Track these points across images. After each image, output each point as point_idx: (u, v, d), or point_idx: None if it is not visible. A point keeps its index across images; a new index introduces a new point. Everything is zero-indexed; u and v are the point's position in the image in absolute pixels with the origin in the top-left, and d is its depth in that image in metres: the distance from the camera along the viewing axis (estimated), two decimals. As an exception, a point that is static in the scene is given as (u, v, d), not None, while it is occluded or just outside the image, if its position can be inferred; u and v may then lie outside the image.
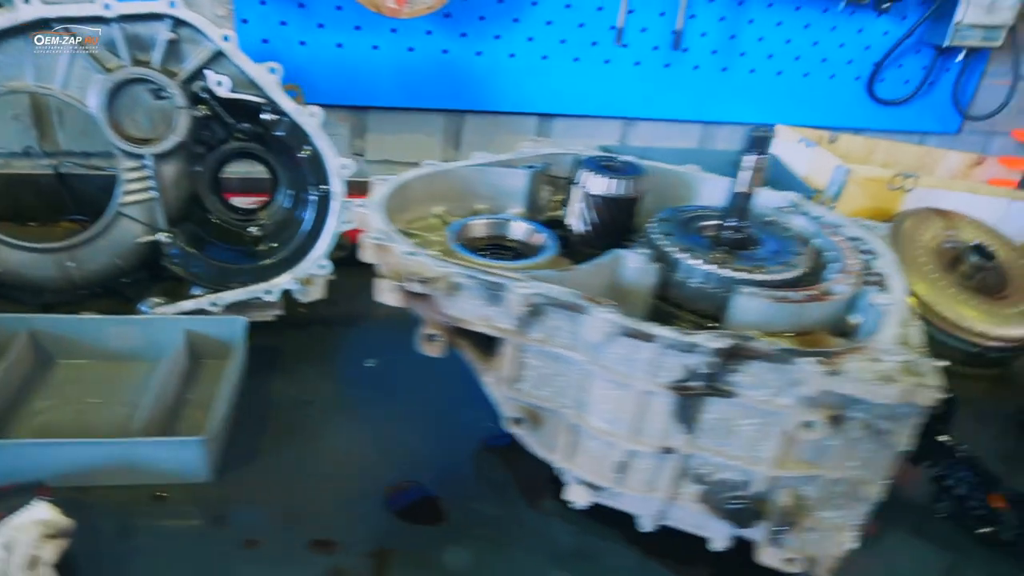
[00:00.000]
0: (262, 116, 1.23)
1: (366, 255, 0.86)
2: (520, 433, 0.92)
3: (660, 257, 0.95)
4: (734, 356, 0.75)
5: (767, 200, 1.15)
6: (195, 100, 1.20)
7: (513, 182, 1.13)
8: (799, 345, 0.84)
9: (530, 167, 1.13)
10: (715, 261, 0.90)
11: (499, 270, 0.90)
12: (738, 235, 0.98)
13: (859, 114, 2.02)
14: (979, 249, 1.52)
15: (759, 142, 0.91)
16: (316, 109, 1.22)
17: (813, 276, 0.95)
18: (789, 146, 1.84)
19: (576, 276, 0.88)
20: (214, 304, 1.27)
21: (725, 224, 0.98)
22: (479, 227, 1.02)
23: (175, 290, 1.29)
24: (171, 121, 1.18)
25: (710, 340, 0.74)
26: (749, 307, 0.84)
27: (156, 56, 1.16)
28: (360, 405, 1.21)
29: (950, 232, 1.60)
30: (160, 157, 1.20)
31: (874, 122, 2.05)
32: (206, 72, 1.17)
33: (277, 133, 1.23)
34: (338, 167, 1.25)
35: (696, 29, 1.84)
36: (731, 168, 1.85)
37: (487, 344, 0.89)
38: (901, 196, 1.70)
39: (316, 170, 1.27)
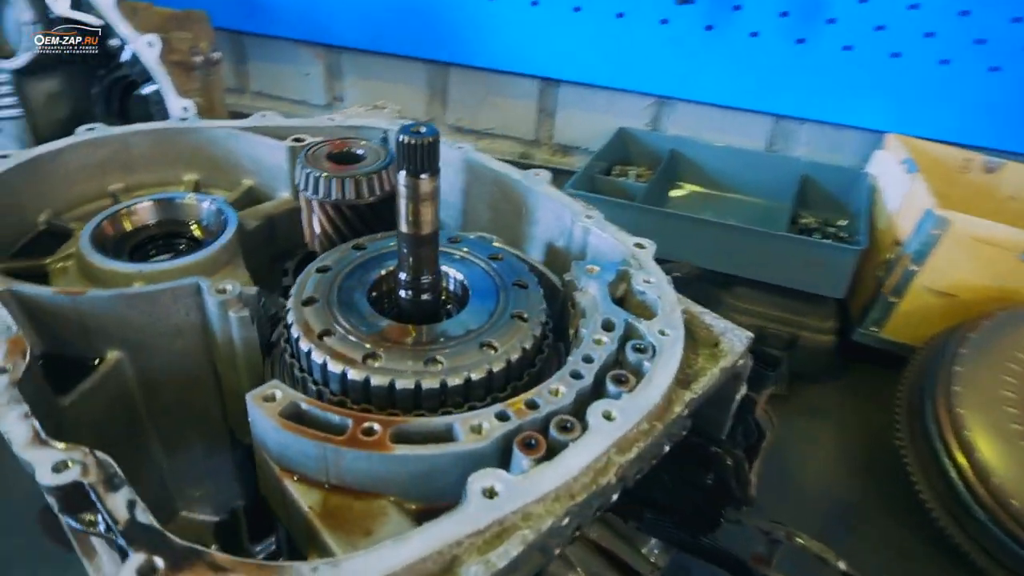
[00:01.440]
0: (109, 42, 1.09)
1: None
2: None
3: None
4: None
5: (600, 246, 0.72)
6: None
7: (274, 158, 0.85)
8: (326, 517, 0.48)
9: (296, 141, 0.84)
10: (314, 333, 0.56)
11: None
12: (417, 298, 0.61)
13: (1049, 134, 1.23)
14: None
15: (411, 153, 0.53)
16: (154, 38, 1.05)
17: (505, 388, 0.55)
18: (888, 166, 1.20)
19: (138, 299, 0.61)
20: None
21: (401, 281, 0.61)
22: (145, 211, 0.77)
23: None
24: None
25: (49, 473, 0.44)
26: (263, 426, 0.50)
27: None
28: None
29: (1099, 360, 0.92)
30: (22, 73, 1.14)
31: (1079, 150, 1.24)
32: (48, -13, 1.07)
33: (122, 61, 1.09)
34: (179, 108, 1.08)
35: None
36: (795, 185, 1.28)
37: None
38: (1049, 278, 1.03)
39: (161, 111, 1.11)
